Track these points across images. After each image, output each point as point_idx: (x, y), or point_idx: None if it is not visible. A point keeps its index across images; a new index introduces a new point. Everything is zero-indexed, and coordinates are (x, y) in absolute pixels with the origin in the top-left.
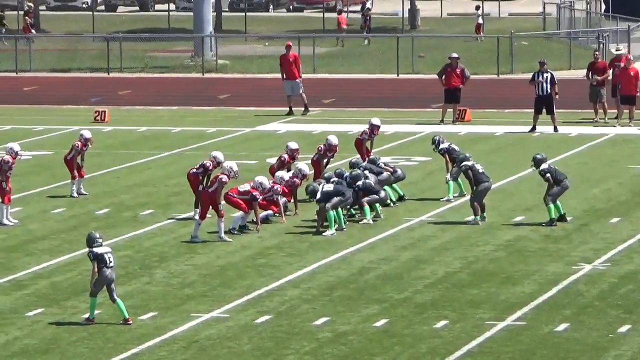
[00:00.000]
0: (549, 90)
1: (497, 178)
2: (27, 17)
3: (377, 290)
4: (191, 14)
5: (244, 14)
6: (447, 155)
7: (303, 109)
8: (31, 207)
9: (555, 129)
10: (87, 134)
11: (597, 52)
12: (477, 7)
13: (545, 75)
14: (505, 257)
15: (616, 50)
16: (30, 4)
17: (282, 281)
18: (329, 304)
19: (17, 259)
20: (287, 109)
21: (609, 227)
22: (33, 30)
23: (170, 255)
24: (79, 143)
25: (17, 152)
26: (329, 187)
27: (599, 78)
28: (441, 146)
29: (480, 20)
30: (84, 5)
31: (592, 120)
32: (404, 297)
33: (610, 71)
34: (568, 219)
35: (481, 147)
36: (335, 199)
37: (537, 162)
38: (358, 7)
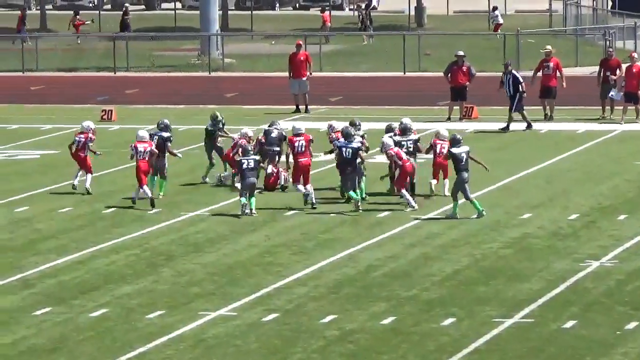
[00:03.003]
0: (511, 92)
1: (503, 175)
2: (77, 17)
3: (384, 288)
4: (197, 12)
5: (250, 12)
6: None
7: (304, 107)
8: (38, 206)
9: (529, 126)
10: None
11: (610, 49)
12: (494, 8)
13: (507, 76)
14: (512, 254)
15: (544, 49)
16: (127, 5)
17: (289, 279)
18: (336, 302)
19: (24, 258)
20: (294, 107)
21: (616, 224)
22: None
23: (177, 254)
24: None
25: None
26: None
27: (614, 77)
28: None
29: (501, 20)
30: (90, 4)
31: (599, 117)
32: (412, 295)
33: (540, 72)
34: (574, 216)
35: (488, 144)
36: None
37: (452, 141)
38: (364, 5)
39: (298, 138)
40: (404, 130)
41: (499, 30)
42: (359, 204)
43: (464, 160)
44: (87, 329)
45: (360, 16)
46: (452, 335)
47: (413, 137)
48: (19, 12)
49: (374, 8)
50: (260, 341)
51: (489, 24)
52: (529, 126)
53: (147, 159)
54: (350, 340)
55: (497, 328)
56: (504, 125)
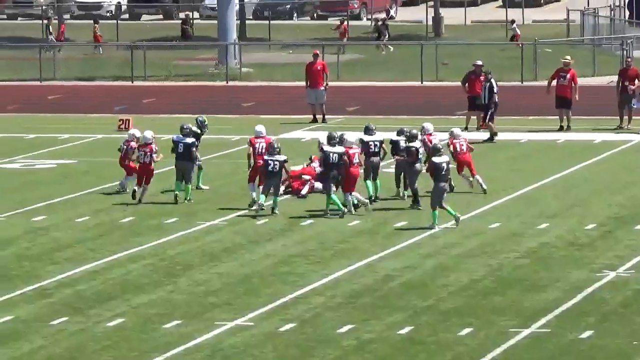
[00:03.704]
0: (486, 100)
1: (521, 185)
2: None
3: (401, 298)
4: (215, 22)
5: (267, 21)
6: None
7: (321, 117)
8: (56, 215)
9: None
10: (138, 132)
11: (629, 59)
12: (512, 21)
13: (486, 84)
14: (529, 264)
15: (564, 59)
16: (188, 13)
17: (306, 289)
18: (354, 311)
19: (41, 268)
20: (311, 116)
21: (633, 234)
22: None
23: (194, 264)
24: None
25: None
26: None
27: (633, 87)
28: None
29: (518, 32)
30: (108, 14)
31: (617, 127)
32: (429, 305)
33: (555, 81)
34: (591, 226)
35: (505, 154)
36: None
37: (433, 150)
38: (382, 15)
39: (259, 140)
40: (409, 137)
41: (518, 40)
42: (343, 213)
43: (444, 170)
44: (104, 339)
45: (379, 26)
46: (469, 345)
47: (417, 144)
48: (62, 23)
49: (392, 18)
50: (277, 351)
51: (506, 34)
52: (492, 139)
53: (148, 161)
54: (367, 350)
55: (514, 338)
56: (487, 136)
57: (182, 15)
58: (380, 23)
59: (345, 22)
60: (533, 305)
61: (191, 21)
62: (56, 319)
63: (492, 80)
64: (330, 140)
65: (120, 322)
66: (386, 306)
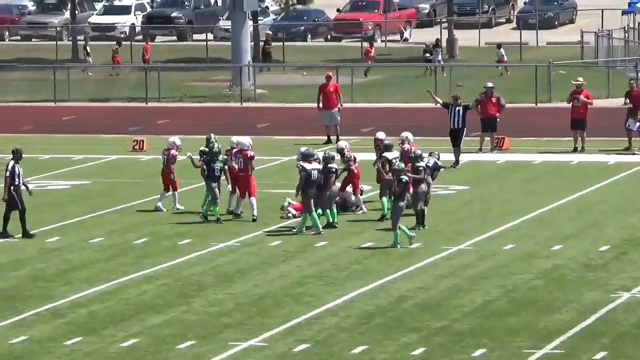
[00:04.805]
0: (459, 125)
1: (535, 206)
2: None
3: (415, 319)
4: (229, 43)
5: (282, 43)
6: None
7: (335, 138)
8: (69, 236)
9: (457, 163)
10: (178, 140)
11: (632, 81)
12: (499, 46)
13: (457, 108)
14: (543, 285)
15: (576, 81)
16: (269, 32)
17: (320, 310)
18: (367, 332)
19: (55, 288)
20: (325, 137)
21: None
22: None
23: (208, 284)
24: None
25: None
26: None
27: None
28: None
29: (505, 58)
30: (122, 35)
31: (625, 148)
32: (442, 326)
33: (571, 104)
34: (605, 247)
35: (519, 175)
36: None
37: (399, 170)
38: (397, 37)
39: (239, 155)
40: (414, 158)
41: (507, 69)
42: (320, 231)
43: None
44: (118, 359)
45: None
46: None
47: (422, 164)
48: (116, 43)
49: (406, 40)
50: None
51: (520, 57)
52: (457, 163)
53: (168, 166)
54: None
55: (528, 359)
56: (453, 161)
57: (265, 34)
58: (430, 46)
59: (369, 45)
60: (547, 326)
61: (271, 42)
62: (70, 339)
63: (464, 105)
64: (308, 157)
65: (134, 343)
66: (400, 327)
